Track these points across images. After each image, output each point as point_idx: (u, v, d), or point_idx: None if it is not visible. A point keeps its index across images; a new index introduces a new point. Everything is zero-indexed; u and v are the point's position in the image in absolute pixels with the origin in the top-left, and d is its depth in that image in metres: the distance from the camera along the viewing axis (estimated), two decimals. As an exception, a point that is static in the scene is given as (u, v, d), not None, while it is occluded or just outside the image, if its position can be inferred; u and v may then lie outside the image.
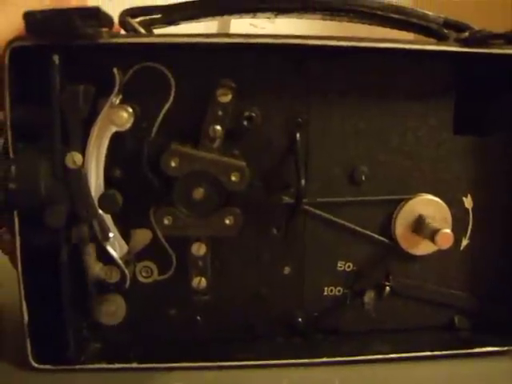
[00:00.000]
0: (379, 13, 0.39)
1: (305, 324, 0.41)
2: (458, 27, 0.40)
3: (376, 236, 0.41)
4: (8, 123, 0.35)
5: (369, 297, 0.41)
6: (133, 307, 0.39)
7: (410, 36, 0.46)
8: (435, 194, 0.41)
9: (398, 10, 0.39)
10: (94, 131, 0.35)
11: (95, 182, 0.36)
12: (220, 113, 0.36)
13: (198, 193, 0.36)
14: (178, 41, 0.35)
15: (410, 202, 0.40)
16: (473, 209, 0.41)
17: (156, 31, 0.41)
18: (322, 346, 0.41)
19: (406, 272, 0.42)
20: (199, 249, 0.37)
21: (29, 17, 0.33)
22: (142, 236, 0.38)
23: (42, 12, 0.33)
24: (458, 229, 0.41)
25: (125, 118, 0.35)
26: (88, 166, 0.35)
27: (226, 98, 0.36)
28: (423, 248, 0.41)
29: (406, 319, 0.42)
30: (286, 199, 0.39)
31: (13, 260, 0.37)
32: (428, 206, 0.40)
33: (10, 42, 0.34)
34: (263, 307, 0.41)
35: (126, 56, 0.36)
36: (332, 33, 0.37)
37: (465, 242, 0.42)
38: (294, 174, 0.38)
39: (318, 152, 0.39)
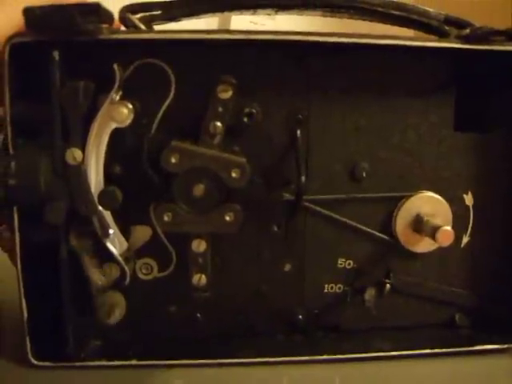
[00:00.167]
0: (380, 9, 0.39)
1: (305, 321, 0.41)
2: (459, 24, 0.40)
3: (376, 233, 0.41)
4: (8, 119, 0.35)
5: (369, 294, 0.41)
6: (133, 304, 0.39)
7: (410, 33, 0.45)
8: (436, 191, 0.41)
9: (399, 6, 0.39)
10: (94, 127, 0.35)
11: (95, 178, 0.35)
12: (220, 109, 0.36)
13: (198, 189, 0.36)
14: (178, 37, 0.35)
15: (411, 199, 0.40)
16: (473, 206, 0.41)
17: (156, 27, 0.41)
18: (323, 344, 0.41)
19: (406, 269, 0.41)
20: (199, 245, 0.37)
21: (28, 13, 0.33)
22: (142, 233, 0.38)
23: (42, 8, 0.33)
24: (459, 226, 0.41)
25: (125, 114, 0.35)
26: (88, 163, 0.35)
27: (226, 94, 0.35)
28: (424, 245, 0.41)
29: (407, 317, 0.42)
30: (287, 196, 0.39)
31: (12, 257, 0.37)
32: (429, 203, 0.40)
33: (10, 37, 0.34)
34: (263, 304, 0.41)
35: (126, 52, 0.36)
36: (332, 30, 0.37)
37: (465, 240, 0.42)
38: (295, 170, 0.38)
39: (319, 149, 0.39)
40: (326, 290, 0.41)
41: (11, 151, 0.35)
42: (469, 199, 0.41)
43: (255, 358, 0.39)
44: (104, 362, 0.38)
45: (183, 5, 0.39)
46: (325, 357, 0.39)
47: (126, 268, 0.38)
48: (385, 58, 0.39)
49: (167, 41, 0.36)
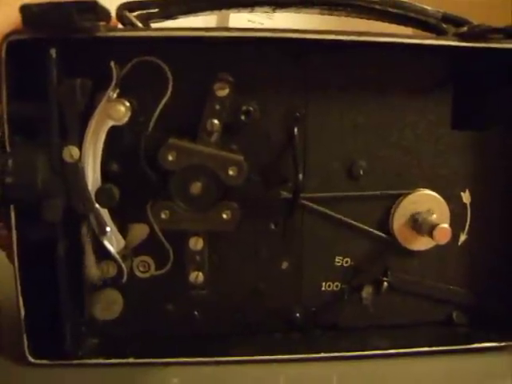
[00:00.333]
0: (377, 7, 0.39)
1: (303, 319, 0.41)
2: (457, 22, 0.40)
3: (374, 231, 0.41)
4: (5, 117, 0.35)
5: (367, 292, 0.41)
6: (130, 302, 0.39)
7: (408, 31, 0.45)
8: (433, 189, 0.41)
9: (397, 4, 0.39)
10: (91, 125, 0.35)
11: (92, 176, 0.35)
12: (217, 107, 0.36)
13: (196, 187, 0.36)
14: (175, 34, 0.35)
15: (409, 197, 0.40)
16: (471, 204, 0.41)
17: (153, 25, 0.41)
18: (320, 342, 0.41)
19: (404, 267, 0.41)
20: (196, 243, 0.37)
21: (25, 10, 0.33)
22: (140, 230, 0.38)
23: (39, 5, 0.33)
24: (456, 224, 0.41)
25: (122, 112, 0.35)
26: (85, 160, 0.35)
27: (223, 91, 0.35)
28: (421, 243, 0.41)
29: (404, 315, 0.42)
30: (284, 194, 0.39)
31: (10, 256, 0.37)
32: (426, 201, 0.40)
33: (7, 35, 0.34)
34: (261, 302, 0.41)
35: (123, 50, 0.36)
36: (331, 28, 0.37)
37: (463, 238, 0.42)
38: (292, 168, 0.38)
39: (316, 146, 0.39)
40: (323, 288, 0.41)
41: (8, 149, 0.35)
42: (466, 197, 0.41)
43: (253, 356, 0.39)
44: (101, 360, 0.38)
45: (180, 2, 0.39)
46: (322, 355, 0.39)
47: (124, 266, 0.38)
48: (383, 55, 0.39)
49: (164, 38, 0.36)
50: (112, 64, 0.35)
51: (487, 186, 0.41)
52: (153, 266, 0.39)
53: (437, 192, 0.41)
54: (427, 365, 0.39)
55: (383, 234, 0.41)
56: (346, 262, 0.41)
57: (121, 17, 0.38)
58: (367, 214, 0.40)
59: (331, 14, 0.41)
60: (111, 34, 0.35)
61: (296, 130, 0.38)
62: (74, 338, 0.37)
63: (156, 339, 0.40)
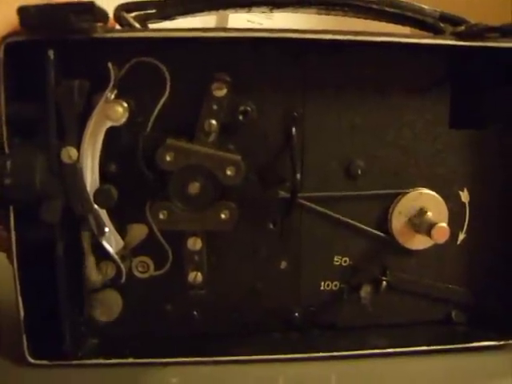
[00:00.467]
0: (374, 7, 0.39)
1: (301, 319, 0.41)
2: (454, 21, 0.40)
3: (372, 230, 0.41)
4: (3, 118, 0.35)
5: (365, 291, 0.41)
6: (129, 302, 0.39)
7: (407, 30, 0.46)
8: (431, 188, 0.41)
9: (394, 3, 0.39)
10: (90, 126, 0.35)
11: (91, 176, 0.36)
12: (215, 107, 0.36)
13: (194, 187, 0.36)
14: (173, 35, 0.35)
15: (407, 197, 0.40)
16: (469, 203, 0.41)
17: (151, 26, 0.41)
18: (319, 341, 0.41)
19: (402, 266, 0.42)
20: (195, 243, 0.37)
21: (23, 12, 0.33)
22: (138, 231, 0.38)
23: (37, 7, 0.33)
24: (455, 223, 0.41)
25: (120, 112, 0.35)
26: (83, 161, 0.35)
27: (220, 92, 0.36)
28: (420, 242, 0.41)
29: (403, 314, 0.42)
30: (282, 193, 0.39)
31: (10, 256, 0.37)
32: (424, 200, 0.40)
33: (5, 37, 0.34)
34: (260, 302, 0.41)
35: (120, 51, 0.36)
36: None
37: (461, 236, 0.42)
38: (290, 168, 0.38)
39: (314, 146, 0.39)
40: (322, 288, 0.41)
41: (7, 150, 0.35)
42: (465, 196, 0.41)
43: (251, 355, 0.39)
44: (101, 360, 0.38)
45: (178, 3, 0.39)
46: (321, 354, 0.39)
47: (122, 266, 0.38)
48: (380, 55, 0.39)
49: (162, 39, 0.36)
50: (110, 65, 0.35)
51: (485, 185, 0.41)
52: (152, 267, 0.39)
53: (435, 191, 0.41)
54: (426, 364, 0.40)
55: (382, 234, 0.41)
56: (345, 262, 0.41)
57: (118, 18, 0.38)
58: (365, 214, 0.41)
59: (328, 14, 0.41)
60: (109, 34, 0.35)
61: (294, 129, 0.38)
62: (73, 339, 0.37)
63: (155, 339, 0.40)
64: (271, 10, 0.40)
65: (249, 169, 0.37)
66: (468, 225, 0.42)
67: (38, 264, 0.37)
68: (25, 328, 0.37)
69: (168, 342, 0.39)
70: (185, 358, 0.38)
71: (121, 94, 0.35)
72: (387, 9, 0.39)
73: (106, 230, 0.36)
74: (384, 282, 0.41)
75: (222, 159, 0.36)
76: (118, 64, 0.36)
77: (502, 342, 0.41)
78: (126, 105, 0.35)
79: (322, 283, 0.41)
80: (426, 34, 0.41)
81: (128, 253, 0.39)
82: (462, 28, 0.38)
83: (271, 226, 0.40)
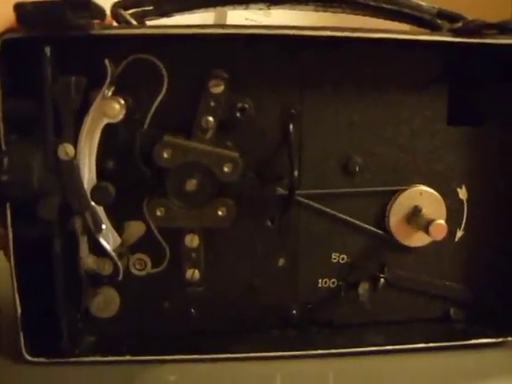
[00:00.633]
0: (372, 3, 0.39)
1: (299, 316, 0.41)
2: (452, 18, 0.40)
3: (370, 227, 0.41)
4: (0, 115, 0.35)
5: (363, 289, 0.41)
6: (126, 300, 0.39)
7: (405, 27, 0.45)
8: (429, 185, 0.41)
9: (391, 0, 0.39)
10: (87, 123, 0.35)
11: (88, 173, 0.36)
12: (212, 104, 0.36)
13: (191, 184, 0.36)
14: (170, 32, 0.35)
15: (405, 193, 0.40)
16: (467, 200, 0.41)
17: (149, 23, 0.41)
18: (317, 338, 0.41)
19: (400, 264, 0.41)
20: (192, 240, 0.37)
21: (19, 8, 0.33)
22: (136, 228, 0.38)
23: (33, 3, 0.33)
24: (453, 220, 0.41)
25: (117, 109, 0.35)
26: (80, 158, 0.35)
27: (218, 88, 0.36)
28: (418, 239, 0.41)
29: (401, 311, 0.42)
30: (280, 190, 0.39)
31: (7, 254, 0.37)
32: (422, 197, 0.40)
33: (1, 34, 0.34)
34: (257, 299, 0.41)
35: (118, 48, 0.36)
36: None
37: (460, 234, 0.42)
38: (288, 165, 0.38)
39: (312, 143, 0.39)
40: (319, 285, 0.41)
41: (3, 147, 0.35)
42: (463, 193, 0.41)
43: (249, 352, 0.39)
44: (98, 358, 0.38)
45: (174, 0, 0.39)
46: (319, 351, 0.39)
47: (120, 264, 0.38)
48: (377, 52, 0.39)
49: (159, 36, 0.36)
50: (107, 62, 0.35)
51: (484, 182, 0.41)
52: (149, 264, 0.39)
53: (433, 188, 0.41)
54: (424, 361, 0.39)
55: (379, 231, 0.41)
56: (343, 259, 0.41)
57: (115, 15, 0.38)
58: (363, 211, 0.40)
59: (326, 11, 0.41)
60: (106, 31, 0.35)
61: (291, 126, 0.38)
62: (70, 336, 0.37)
63: (152, 337, 0.40)
64: (269, 7, 0.40)
65: (246, 166, 0.37)
66: (466, 222, 0.42)
67: (35, 261, 0.36)
68: (22, 325, 0.37)
69: (165, 339, 0.39)
70: (182, 355, 0.38)
71: (118, 91, 0.35)
72: (384, 5, 0.39)
73: (103, 227, 0.36)
74: (382, 279, 0.41)
75: (219, 156, 0.36)
76: (115, 61, 0.36)
77: (500, 339, 0.41)
78: (123, 102, 0.35)
79: (320, 280, 0.41)
80: (423, 30, 0.41)
81: (125, 250, 0.39)
82: (460, 25, 0.38)
83: (269, 223, 0.40)
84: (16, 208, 0.36)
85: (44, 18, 0.33)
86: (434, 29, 0.40)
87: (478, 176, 0.41)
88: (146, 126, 0.37)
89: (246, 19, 0.84)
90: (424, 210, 0.40)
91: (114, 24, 0.38)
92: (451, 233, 0.41)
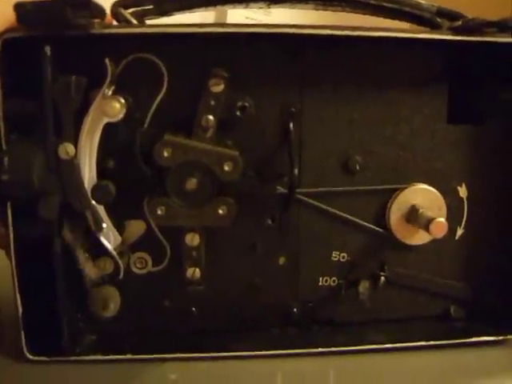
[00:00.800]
0: (372, 2, 0.39)
1: (300, 314, 0.41)
2: (452, 16, 0.40)
3: (370, 226, 0.41)
4: (0, 115, 0.35)
5: (364, 287, 0.41)
6: (127, 298, 0.39)
7: (406, 26, 0.45)
8: (429, 184, 0.41)
9: (391, -2, 0.39)
10: (87, 122, 0.35)
11: (88, 172, 0.36)
12: (212, 102, 0.36)
13: (191, 183, 0.36)
14: (170, 31, 0.35)
15: (405, 192, 0.40)
16: (468, 198, 0.41)
17: (149, 22, 0.41)
18: (317, 337, 0.41)
19: (401, 262, 0.41)
20: (193, 239, 0.37)
21: (20, 8, 0.33)
22: (136, 227, 0.38)
23: (33, 3, 0.33)
24: (453, 218, 0.41)
25: (117, 108, 0.35)
26: (81, 157, 0.35)
27: (218, 87, 0.36)
28: (418, 238, 0.41)
29: (401, 309, 0.42)
30: (280, 189, 0.39)
31: (8, 253, 0.37)
32: (422, 195, 0.40)
33: (2, 33, 0.34)
34: (258, 298, 0.41)
35: (118, 47, 0.36)
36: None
37: (460, 232, 0.42)
38: (288, 163, 0.38)
39: (312, 141, 0.39)
40: (320, 283, 0.41)
41: (4, 147, 0.35)
42: (463, 191, 0.41)
43: (250, 351, 0.39)
44: (99, 356, 0.38)
45: (174, -1, 0.39)
46: (319, 350, 0.39)
47: (120, 262, 0.38)
48: (378, 50, 0.39)
49: (159, 35, 0.36)
50: (107, 61, 0.35)
51: (484, 181, 0.41)
52: (150, 263, 0.39)
53: (433, 186, 0.41)
54: (424, 359, 0.39)
55: (380, 229, 0.41)
56: (343, 257, 0.41)
57: (115, 14, 0.38)
58: (363, 209, 0.40)
59: (326, 9, 0.41)
60: (106, 30, 0.35)
61: (291, 125, 0.38)
62: (71, 335, 0.38)
63: (153, 335, 0.40)
64: (269, 6, 0.40)
65: (246, 164, 0.37)
66: (466, 220, 0.42)
67: (36, 260, 0.37)
68: (23, 324, 0.37)
69: (166, 337, 0.39)
70: (183, 353, 0.38)
71: (118, 90, 0.35)
72: (384, 4, 0.39)
73: (104, 226, 0.37)
74: (382, 278, 0.41)
75: (219, 155, 0.36)
76: (115, 60, 0.36)
77: (500, 338, 0.41)
78: (123, 101, 0.35)
79: (321, 279, 0.41)
80: (423, 29, 0.41)
81: (126, 249, 0.39)
82: (459, 23, 0.38)
83: (269, 222, 0.40)
84: (17, 207, 0.36)
85: (44, 17, 0.33)
86: (434, 27, 0.40)
87: (478, 174, 0.41)
88: (146, 125, 0.37)
89: (246, 18, 0.84)
90: (424, 209, 0.40)
91: (114, 23, 0.38)
92: (451, 231, 0.41)
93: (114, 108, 0.35)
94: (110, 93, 0.35)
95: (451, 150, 0.41)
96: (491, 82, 0.40)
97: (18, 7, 0.33)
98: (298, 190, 0.39)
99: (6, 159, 0.34)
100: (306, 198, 0.40)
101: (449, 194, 0.41)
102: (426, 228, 0.39)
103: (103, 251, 0.37)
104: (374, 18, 0.43)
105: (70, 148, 0.35)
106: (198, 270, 0.38)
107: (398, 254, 0.41)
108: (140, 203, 0.38)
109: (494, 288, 0.42)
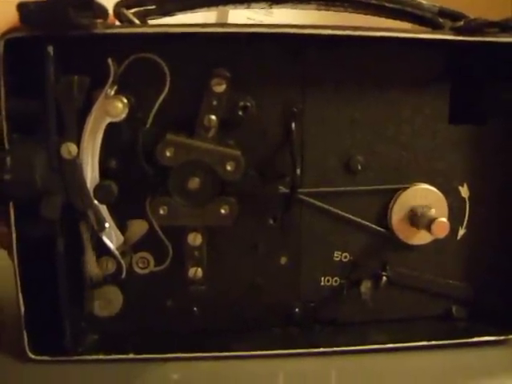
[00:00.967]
0: (373, 2, 0.39)
1: (302, 314, 0.41)
2: (453, 16, 0.40)
3: (372, 226, 0.41)
4: (3, 114, 0.35)
5: (365, 287, 0.41)
6: (129, 298, 0.39)
7: (407, 26, 0.45)
8: (431, 184, 0.41)
9: (393, -1, 0.39)
10: (89, 122, 0.35)
11: (91, 172, 0.36)
12: (215, 102, 0.36)
13: (193, 182, 0.36)
14: (172, 31, 0.35)
15: (406, 192, 0.40)
16: (469, 198, 0.41)
17: (151, 22, 0.41)
18: (319, 337, 0.41)
19: (402, 262, 0.42)
20: (195, 239, 0.37)
21: (22, 8, 0.33)
22: (138, 227, 0.39)
23: (36, 3, 0.33)
24: (455, 218, 0.41)
25: (119, 108, 0.35)
26: (83, 157, 0.35)
27: (220, 87, 0.36)
28: (420, 238, 0.41)
29: (403, 309, 0.42)
30: (282, 189, 0.39)
31: (11, 253, 0.37)
32: (424, 195, 0.40)
33: (5, 33, 0.34)
34: (260, 298, 0.41)
35: (120, 47, 0.36)
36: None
37: (461, 232, 0.42)
38: (290, 163, 0.38)
39: (314, 141, 0.39)
40: (322, 283, 0.41)
41: (7, 146, 0.35)
42: (464, 191, 0.41)
43: (252, 351, 0.39)
44: (101, 356, 0.38)
45: (177, -1, 0.39)
46: (321, 350, 0.39)
47: (123, 262, 0.38)
48: (379, 50, 0.39)
49: (161, 35, 0.36)
50: (109, 61, 0.35)
51: (485, 181, 0.41)
52: (152, 262, 0.40)
53: (435, 186, 0.41)
54: (426, 359, 0.40)
55: (381, 229, 0.41)
56: (345, 257, 0.41)
57: (118, 14, 0.38)
58: (365, 209, 0.41)
59: (328, 10, 0.41)
60: (108, 30, 0.35)
61: (293, 125, 0.38)
62: (73, 334, 0.38)
63: (155, 335, 0.40)
64: (270, 6, 0.40)
65: (248, 164, 0.37)
66: (468, 220, 0.42)
67: (39, 260, 0.37)
68: (25, 324, 0.37)
69: (168, 337, 0.40)
70: (185, 353, 0.39)
71: (120, 90, 0.35)
72: (386, 4, 0.39)
73: (107, 225, 0.37)
74: (384, 278, 0.41)
75: (221, 154, 0.36)
76: (117, 60, 0.36)
77: (502, 337, 0.41)
78: (125, 100, 0.35)
79: (322, 279, 0.41)
80: (425, 29, 0.41)
81: (128, 248, 0.39)
82: (461, 23, 0.38)
83: (271, 222, 0.40)
84: (19, 207, 0.36)
85: (47, 17, 0.33)
86: (436, 27, 0.40)
87: (479, 174, 0.41)
88: (148, 125, 0.37)
89: (248, 18, 0.84)
90: (426, 209, 0.40)
91: (117, 23, 0.39)
92: (453, 231, 0.41)
93: (117, 108, 0.35)
94: (113, 93, 0.35)
95: (453, 150, 0.41)
96: (493, 82, 0.40)
97: (20, 7, 0.33)
98: (299, 190, 0.39)
99: (8, 159, 0.34)
100: (307, 198, 0.40)
101: (450, 193, 0.41)
102: (428, 228, 0.39)
103: (105, 251, 0.37)
104: (376, 18, 0.43)
105: (73, 148, 0.35)
106: (199, 269, 0.38)
107: (400, 254, 0.41)
108: (142, 203, 0.38)
109: (496, 288, 0.42)
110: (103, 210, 0.36)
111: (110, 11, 0.37)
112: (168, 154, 0.35)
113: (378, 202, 0.41)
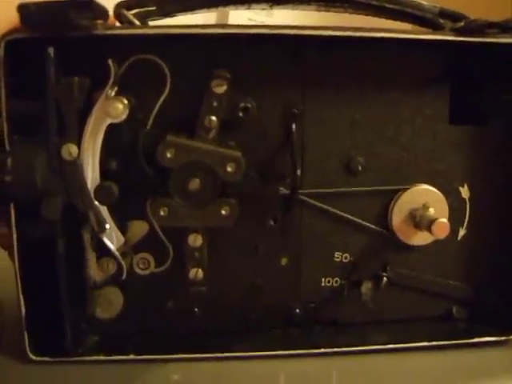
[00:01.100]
0: (374, 3, 0.39)
1: (302, 315, 0.41)
2: (454, 17, 0.40)
3: (373, 226, 0.41)
4: (4, 115, 0.35)
5: (366, 287, 0.41)
6: (130, 299, 0.39)
7: (408, 27, 0.46)
8: (432, 184, 0.41)
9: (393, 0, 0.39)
10: (90, 123, 0.35)
11: (91, 173, 0.36)
12: (215, 104, 0.36)
13: (194, 183, 0.36)
14: (172, 32, 0.35)
15: (407, 193, 0.40)
16: (470, 198, 0.41)
17: (152, 23, 0.41)
18: (320, 337, 0.41)
19: (403, 262, 0.42)
20: (196, 240, 0.37)
21: (23, 9, 0.33)
22: (139, 228, 0.39)
23: (36, 4, 0.33)
24: (455, 219, 0.41)
25: (120, 109, 0.35)
26: (84, 158, 0.35)
27: (220, 88, 0.36)
28: (420, 238, 0.41)
29: (404, 310, 0.42)
30: (282, 190, 0.39)
31: (11, 254, 0.37)
32: (424, 196, 0.40)
33: (5, 34, 0.34)
34: (260, 298, 0.41)
35: (121, 48, 0.36)
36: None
37: (462, 232, 0.42)
38: (290, 164, 0.38)
39: (314, 142, 0.39)
40: (322, 284, 0.41)
41: (7, 147, 0.35)
42: (465, 192, 0.41)
43: (252, 352, 0.39)
44: (102, 357, 0.38)
45: (177, 0, 0.39)
46: (322, 350, 0.39)
47: (123, 263, 0.38)
48: (380, 51, 0.39)
49: (162, 36, 0.36)
50: (110, 62, 0.35)
51: (486, 181, 0.41)
52: (152, 263, 0.39)
53: (435, 187, 0.41)
54: (427, 360, 0.40)
55: (382, 230, 0.41)
56: (345, 258, 0.41)
57: (118, 15, 0.38)
58: (366, 210, 0.41)
59: (328, 11, 0.41)
60: (109, 31, 0.35)
61: (294, 126, 0.38)
62: (74, 335, 0.38)
63: (156, 336, 0.40)
64: (271, 7, 0.40)
65: (249, 165, 0.37)
66: (468, 221, 0.42)
67: (39, 261, 0.37)
68: (26, 325, 0.37)
69: (169, 338, 0.40)
70: (186, 354, 0.39)
71: (121, 91, 0.35)
72: (386, 5, 0.39)
73: (107, 226, 0.37)
74: (384, 278, 0.41)
75: (222, 156, 0.36)
76: (118, 61, 0.36)
77: (502, 338, 0.41)
78: (126, 102, 0.35)
79: (323, 279, 0.41)
80: (425, 30, 0.41)
81: (129, 249, 0.39)
82: (462, 24, 0.38)
83: (271, 223, 0.40)
84: (20, 208, 0.36)
85: (47, 18, 0.33)
86: (436, 28, 0.40)
87: (480, 175, 0.41)
88: (149, 126, 0.37)
89: (249, 19, 0.84)
90: (426, 209, 0.40)
91: (117, 24, 0.39)
92: (453, 232, 0.41)
93: (117, 109, 0.35)
94: (113, 94, 0.35)
95: (453, 151, 0.41)
96: (493, 82, 0.40)
97: (21, 8, 0.33)
98: (300, 191, 0.39)
99: (9, 160, 0.34)
100: (308, 199, 0.40)
101: (451, 194, 0.41)
102: (428, 229, 0.39)
103: (106, 252, 0.37)
104: (376, 19, 0.43)
105: (73, 149, 0.35)
106: (200, 270, 0.38)
107: (401, 255, 0.41)
108: (143, 204, 0.38)
109: (496, 288, 0.42)
110: (104, 210, 0.37)
111: (111, 12, 0.37)
112: (168, 155, 0.35)
113: (379, 203, 0.41)
